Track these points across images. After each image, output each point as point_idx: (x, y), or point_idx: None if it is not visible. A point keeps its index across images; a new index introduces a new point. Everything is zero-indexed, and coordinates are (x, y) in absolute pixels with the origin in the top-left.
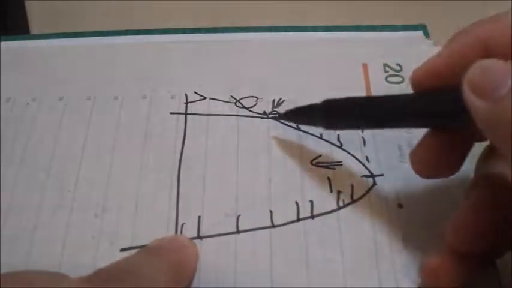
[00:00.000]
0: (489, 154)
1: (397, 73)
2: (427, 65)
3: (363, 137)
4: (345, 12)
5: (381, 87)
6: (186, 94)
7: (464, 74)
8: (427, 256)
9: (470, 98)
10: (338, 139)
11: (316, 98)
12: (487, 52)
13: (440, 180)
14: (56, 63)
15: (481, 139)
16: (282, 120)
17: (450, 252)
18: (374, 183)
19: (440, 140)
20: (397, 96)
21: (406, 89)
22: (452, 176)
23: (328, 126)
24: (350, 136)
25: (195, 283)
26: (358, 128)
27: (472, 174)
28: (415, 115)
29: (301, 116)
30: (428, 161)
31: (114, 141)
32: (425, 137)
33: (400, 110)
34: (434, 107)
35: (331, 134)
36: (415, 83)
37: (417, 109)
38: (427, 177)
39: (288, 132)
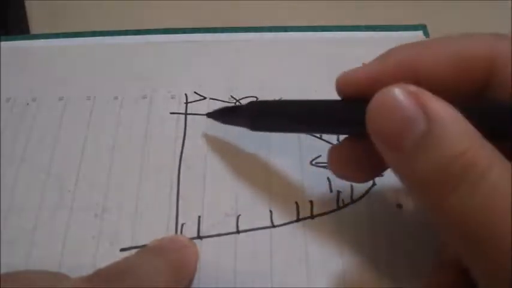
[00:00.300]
0: None
1: None
2: (351, 73)
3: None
4: (345, 12)
5: None
6: (186, 94)
7: (367, 110)
8: (427, 256)
9: (378, 145)
10: (338, 139)
11: (316, 98)
12: (415, 77)
13: None
14: (56, 63)
15: None
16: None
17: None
18: (374, 184)
19: (360, 144)
20: (323, 102)
21: None
22: None
23: (254, 128)
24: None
25: (195, 283)
26: (284, 131)
27: None
28: (335, 122)
29: (227, 116)
30: (344, 162)
31: (114, 141)
32: (347, 138)
33: (321, 116)
34: (352, 116)
35: (331, 134)
36: (338, 88)
37: (337, 117)
38: (341, 177)
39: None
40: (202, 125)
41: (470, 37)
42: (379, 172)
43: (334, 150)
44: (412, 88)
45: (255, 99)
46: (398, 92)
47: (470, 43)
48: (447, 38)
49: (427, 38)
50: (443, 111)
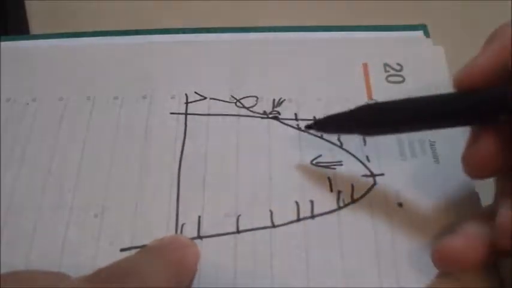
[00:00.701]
0: None
1: (398, 73)
2: (468, 67)
3: (363, 137)
4: (344, 12)
5: (381, 87)
6: (186, 94)
7: None
8: (428, 255)
9: None
10: (338, 139)
11: (316, 98)
12: None
13: (440, 179)
14: (56, 63)
15: None
16: (314, 131)
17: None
18: (374, 183)
19: (496, 134)
20: (439, 96)
21: (406, 88)
22: None
23: (368, 133)
24: (350, 136)
25: (195, 283)
26: (400, 132)
27: None
28: (462, 112)
29: (335, 125)
30: (484, 161)
31: (114, 141)
32: (474, 138)
33: (445, 108)
34: (482, 103)
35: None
36: (458, 85)
37: (464, 106)
38: (481, 178)
39: (288, 132)
40: (203, 125)
41: None
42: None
43: (468, 152)
44: None
45: (255, 99)
46: None
47: None
48: None
49: (428, 38)
50: None
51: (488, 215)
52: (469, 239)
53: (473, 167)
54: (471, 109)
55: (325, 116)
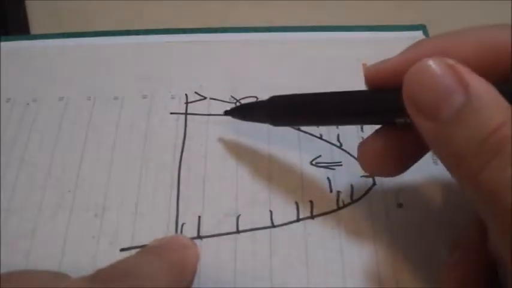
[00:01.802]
0: None
1: None
2: (379, 64)
3: (362, 137)
4: (344, 12)
5: None
6: (186, 94)
7: (404, 80)
8: (428, 255)
9: (413, 114)
10: (338, 139)
11: None
12: None
13: (440, 179)
14: (56, 63)
15: None
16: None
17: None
18: (374, 183)
19: (391, 136)
20: (348, 93)
21: None
22: None
23: (275, 123)
24: (350, 136)
25: (195, 283)
26: (307, 124)
27: None
28: (364, 112)
29: (246, 113)
30: (375, 157)
31: (114, 141)
32: (376, 132)
33: (349, 106)
34: (385, 104)
35: (331, 134)
36: (367, 79)
37: (367, 105)
38: (371, 173)
39: (287, 132)
40: (203, 125)
41: (492, 28)
42: (410, 164)
43: (363, 146)
44: (450, 61)
45: (255, 99)
46: (437, 63)
47: (494, 33)
48: (470, 29)
49: (427, 38)
50: (481, 85)
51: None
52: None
53: (363, 162)
54: (369, 108)
55: (242, 104)
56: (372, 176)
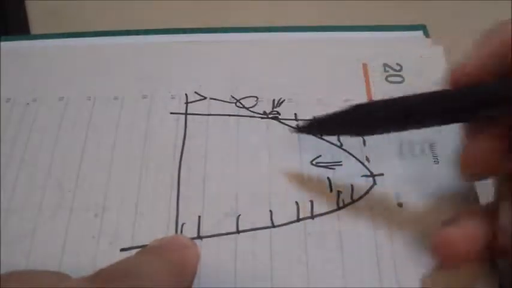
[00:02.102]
0: None
1: (397, 73)
2: (459, 66)
3: (362, 137)
4: (344, 12)
5: (380, 87)
6: (186, 94)
7: None
8: (428, 255)
9: None
10: (338, 139)
11: (316, 98)
12: None
13: (440, 179)
14: (56, 63)
15: None
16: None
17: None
18: (374, 183)
19: (489, 136)
20: (433, 93)
21: (406, 88)
22: None
23: (360, 133)
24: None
25: (195, 283)
26: (394, 131)
27: None
28: (458, 108)
29: (326, 126)
30: (478, 161)
31: (114, 141)
32: (470, 138)
33: (440, 104)
34: (477, 98)
35: None
36: (453, 79)
37: (460, 102)
38: (477, 178)
39: (288, 132)
40: (203, 125)
41: None
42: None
43: (463, 153)
44: None
45: (255, 99)
46: None
47: None
48: None
49: (427, 38)
50: None
51: (487, 213)
52: (468, 232)
53: (468, 167)
54: (466, 105)
55: (316, 117)
56: (476, 180)
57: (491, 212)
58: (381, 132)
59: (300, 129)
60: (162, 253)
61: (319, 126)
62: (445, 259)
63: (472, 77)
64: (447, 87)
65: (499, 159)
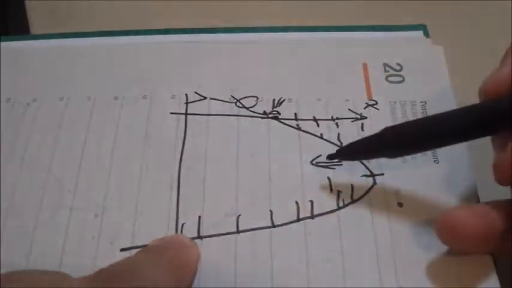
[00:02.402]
0: None
1: (397, 73)
2: (493, 77)
3: (363, 136)
4: (344, 12)
5: (381, 87)
6: (186, 94)
7: None
8: (429, 255)
9: None
10: (338, 138)
11: (316, 98)
12: None
13: (441, 179)
14: (56, 63)
15: None
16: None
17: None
18: (374, 183)
19: None
20: (468, 108)
21: (406, 88)
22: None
23: (397, 155)
24: (350, 135)
25: (195, 283)
26: (430, 149)
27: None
28: (491, 122)
29: (360, 152)
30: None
31: (114, 141)
32: (503, 145)
33: (478, 120)
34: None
35: (331, 134)
36: (484, 94)
37: (492, 114)
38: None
39: (288, 132)
40: (203, 125)
41: None
42: None
43: (499, 160)
44: None
45: (255, 99)
46: None
47: None
48: None
49: (427, 38)
50: None
51: (498, 204)
52: (475, 212)
53: (505, 174)
54: (499, 117)
55: (348, 143)
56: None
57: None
58: (417, 152)
59: (335, 156)
60: (162, 253)
61: (353, 152)
62: (448, 237)
63: (503, 90)
64: (482, 98)
65: None
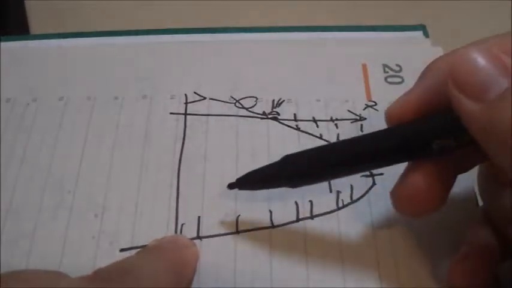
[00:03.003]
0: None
1: (397, 73)
2: (400, 102)
3: None
4: (344, 12)
5: (380, 88)
6: (185, 94)
7: (450, 68)
8: (428, 255)
9: (459, 98)
10: (338, 139)
11: (316, 98)
12: None
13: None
14: (56, 63)
15: (467, 166)
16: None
17: None
18: (374, 183)
19: (424, 172)
20: (367, 135)
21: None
22: None
23: (295, 184)
24: (350, 135)
25: (194, 283)
26: (331, 178)
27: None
28: (394, 149)
29: (258, 181)
30: (414, 198)
31: (114, 141)
32: (406, 173)
33: (376, 147)
34: (417, 137)
35: (331, 134)
36: (390, 120)
37: (395, 142)
38: (413, 215)
39: (287, 132)
40: (202, 125)
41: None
42: (447, 195)
43: (397, 190)
44: (495, 51)
45: (255, 99)
46: (483, 53)
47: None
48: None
49: (427, 38)
50: None
51: None
52: (483, 258)
53: (402, 204)
54: (403, 142)
55: (246, 173)
56: (412, 216)
57: None
58: (320, 181)
59: (233, 185)
60: (161, 253)
61: (252, 181)
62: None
63: (408, 116)
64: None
65: (430, 198)
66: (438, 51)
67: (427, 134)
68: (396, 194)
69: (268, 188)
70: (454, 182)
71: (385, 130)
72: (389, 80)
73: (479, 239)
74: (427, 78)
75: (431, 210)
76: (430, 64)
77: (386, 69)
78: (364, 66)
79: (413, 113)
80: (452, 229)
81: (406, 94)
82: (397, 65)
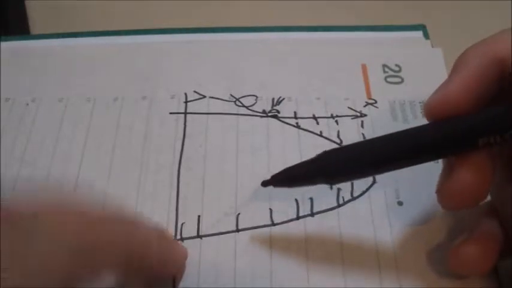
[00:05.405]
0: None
1: (396, 73)
2: (440, 94)
3: (363, 134)
4: (344, 13)
5: (380, 88)
6: (185, 93)
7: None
8: (428, 253)
9: None
10: (338, 136)
11: (316, 97)
12: (503, 71)
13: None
14: (56, 63)
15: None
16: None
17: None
18: (374, 181)
19: (471, 166)
20: (408, 131)
21: (405, 89)
22: None
23: (333, 182)
24: (350, 133)
25: (194, 282)
26: (370, 175)
27: None
28: (438, 146)
29: (295, 177)
30: (464, 193)
31: (114, 141)
32: (451, 168)
33: (419, 143)
34: (462, 134)
35: (331, 131)
36: (430, 113)
37: (440, 139)
38: (459, 209)
39: (287, 130)
40: (202, 124)
41: None
42: (490, 189)
43: (445, 185)
44: None
45: (255, 98)
46: None
47: None
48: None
49: (427, 39)
50: None
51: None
52: (485, 244)
53: (451, 200)
54: (449, 139)
55: (283, 169)
56: (457, 210)
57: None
58: (359, 178)
59: (268, 183)
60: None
61: (289, 178)
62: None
63: (450, 110)
64: (428, 119)
65: (477, 191)
66: (438, 52)
67: (473, 132)
68: (445, 191)
69: (304, 185)
70: (496, 170)
71: (427, 125)
72: (388, 80)
73: (482, 226)
74: (464, 70)
75: (479, 202)
76: (461, 56)
77: (386, 69)
78: (364, 66)
79: (455, 105)
80: (454, 226)
81: (444, 87)
82: (397, 65)
